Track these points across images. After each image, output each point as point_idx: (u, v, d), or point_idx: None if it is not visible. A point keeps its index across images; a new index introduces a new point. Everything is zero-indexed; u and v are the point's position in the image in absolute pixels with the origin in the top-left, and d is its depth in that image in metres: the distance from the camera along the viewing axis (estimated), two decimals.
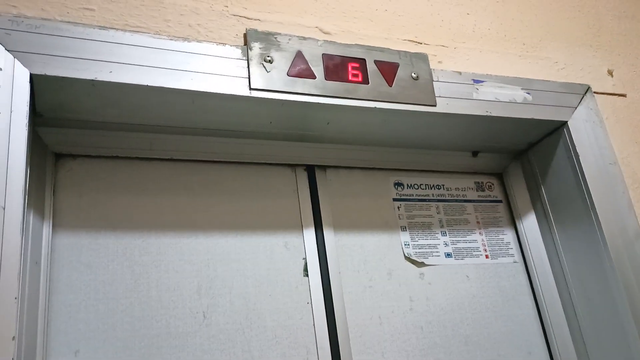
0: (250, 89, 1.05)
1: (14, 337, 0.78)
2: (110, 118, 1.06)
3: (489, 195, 1.49)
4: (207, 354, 1.07)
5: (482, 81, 1.28)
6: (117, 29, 0.99)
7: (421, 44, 1.29)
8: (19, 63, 0.90)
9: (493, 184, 1.51)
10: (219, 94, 1.03)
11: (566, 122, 1.33)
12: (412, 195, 1.41)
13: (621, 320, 1.20)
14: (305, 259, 1.22)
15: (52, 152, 1.09)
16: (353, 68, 1.15)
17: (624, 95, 1.49)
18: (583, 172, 1.30)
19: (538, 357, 1.32)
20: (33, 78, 0.91)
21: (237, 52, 1.07)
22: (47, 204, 1.05)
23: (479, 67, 1.32)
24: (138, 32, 1.01)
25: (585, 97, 1.38)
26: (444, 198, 1.44)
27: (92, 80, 0.93)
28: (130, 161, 1.16)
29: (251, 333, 1.11)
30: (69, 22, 0.97)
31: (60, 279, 1.02)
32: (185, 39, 1.04)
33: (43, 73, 0.91)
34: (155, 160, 1.18)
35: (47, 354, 0.96)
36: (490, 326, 1.32)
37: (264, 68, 1.08)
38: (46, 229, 1.03)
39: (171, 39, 1.03)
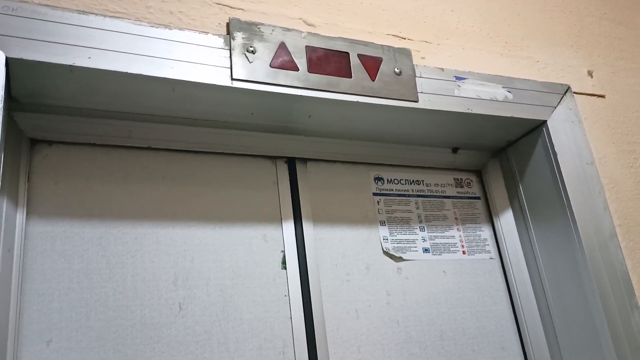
0: (232, 79, 1.04)
1: None
2: (88, 104, 1.04)
3: (468, 192, 1.50)
4: (183, 346, 1.06)
5: (464, 78, 1.28)
6: (96, 14, 0.97)
7: (405, 39, 1.29)
8: None
9: (472, 181, 1.52)
10: (200, 83, 1.02)
11: (545, 121, 1.34)
12: (392, 190, 1.41)
13: (593, 318, 1.22)
14: (283, 251, 1.22)
15: (28, 137, 1.07)
16: (336, 61, 1.15)
17: (602, 96, 1.51)
18: (560, 171, 1.31)
19: (511, 352, 1.34)
20: (9, 62, 0.88)
21: (220, 42, 1.06)
22: (22, 191, 1.03)
23: (462, 64, 1.33)
24: (118, 17, 0.99)
25: (565, 97, 1.40)
26: (423, 194, 1.44)
27: (70, 65, 0.91)
28: (108, 149, 1.14)
29: (227, 325, 1.11)
30: (47, 5, 0.95)
31: (34, 268, 1.01)
32: (166, 26, 1.02)
33: (20, 57, 0.88)
34: (134, 148, 1.16)
35: (18, 343, 0.95)
36: (466, 321, 1.33)
37: (246, 58, 1.06)
38: (20, 216, 1.01)
39: (152, 26, 1.01)
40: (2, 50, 0.88)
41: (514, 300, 1.39)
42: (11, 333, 0.93)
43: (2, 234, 0.92)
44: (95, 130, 1.11)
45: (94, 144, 1.13)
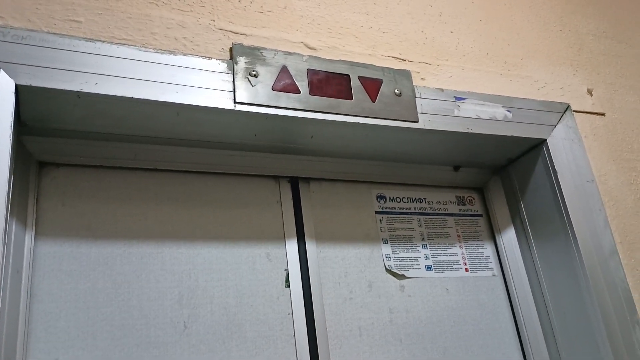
0: (235, 102, 1.06)
1: None
2: (95, 128, 1.07)
3: (470, 210, 1.51)
4: None
5: (464, 98, 1.30)
6: (103, 41, 1.00)
7: (405, 60, 1.32)
8: (4, 73, 0.90)
9: (474, 199, 1.54)
10: (204, 107, 1.04)
11: (545, 139, 1.36)
12: (394, 208, 1.42)
13: (594, 335, 1.23)
14: (287, 270, 1.23)
15: (36, 160, 1.10)
16: (337, 84, 1.17)
17: (602, 114, 1.52)
18: (561, 188, 1.32)
19: None
20: (18, 88, 0.91)
21: (223, 66, 1.09)
22: (30, 212, 1.05)
23: (461, 85, 1.35)
24: (124, 44, 1.03)
25: (564, 115, 1.41)
26: (425, 211, 1.46)
27: (78, 91, 0.94)
28: (114, 171, 1.17)
29: (231, 343, 1.12)
30: (55, 33, 0.98)
31: (41, 288, 1.03)
32: (171, 52, 1.05)
33: (28, 84, 0.91)
34: (139, 170, 1.19)
35: None
36: (469, 339, 1.33)
37: (249, 82, 1.09)
38: (28, 237, 1.03)
39: (157, 52, 1.04)
40: (12, 78, 0.91)
41: (516, 317, 1.40)
42: (19, 352, 0.95)
43: (11, 255, 0.95)
44: (102, 153, 1.14)
45: (100, 166, 1.15)
